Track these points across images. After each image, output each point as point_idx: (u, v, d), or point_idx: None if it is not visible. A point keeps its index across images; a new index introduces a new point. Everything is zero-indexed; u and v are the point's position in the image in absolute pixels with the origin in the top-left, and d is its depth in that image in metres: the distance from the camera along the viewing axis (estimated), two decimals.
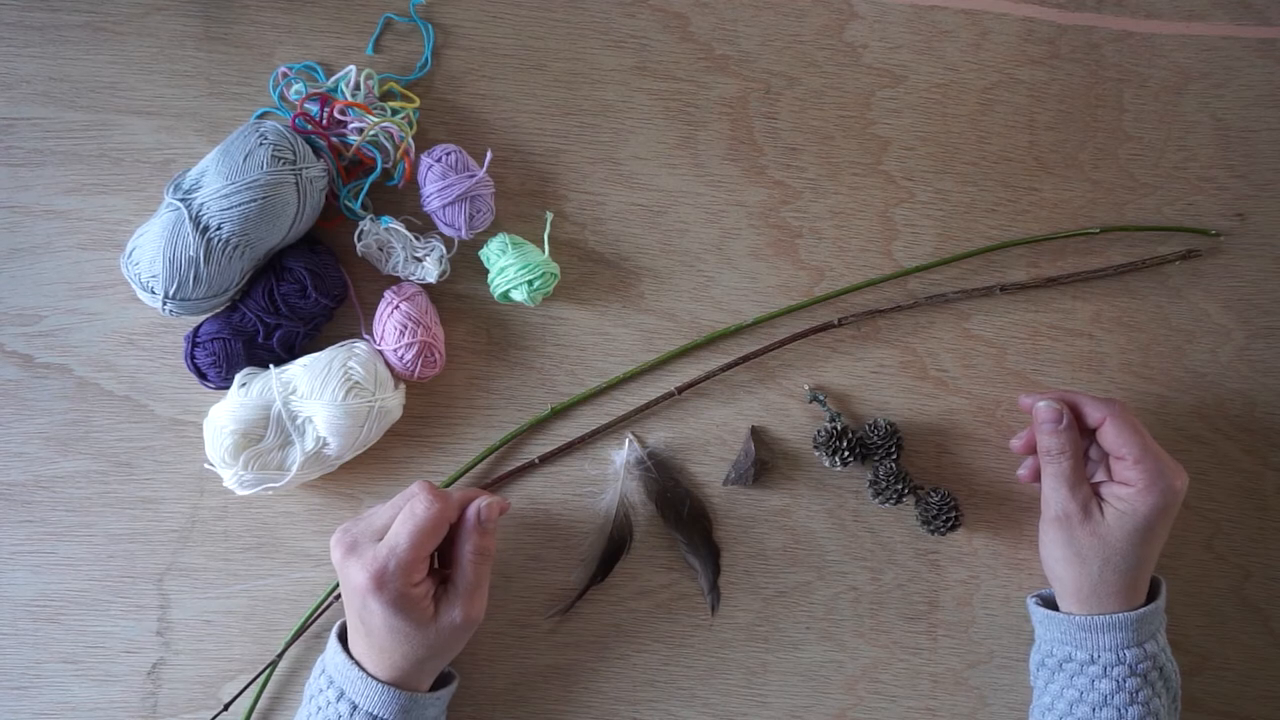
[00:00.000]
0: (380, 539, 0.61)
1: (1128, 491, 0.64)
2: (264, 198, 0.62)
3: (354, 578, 0.60)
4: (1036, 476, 0.69)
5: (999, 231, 0.74)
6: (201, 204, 0.62)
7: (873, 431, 0.71)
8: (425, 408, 0.71)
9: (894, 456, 0.71)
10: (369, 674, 0.61)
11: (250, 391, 0.65)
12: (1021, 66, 0.74)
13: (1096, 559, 0.64)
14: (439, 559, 0.65)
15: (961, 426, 0.74)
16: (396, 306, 0.67)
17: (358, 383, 0.66)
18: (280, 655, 0.69)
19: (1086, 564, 0.64)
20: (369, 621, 0.61)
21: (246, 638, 0.70)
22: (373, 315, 0.68)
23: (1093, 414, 0.66)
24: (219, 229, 0.62)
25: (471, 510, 0.64)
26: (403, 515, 0.61)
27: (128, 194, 0.69)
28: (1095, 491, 0.66)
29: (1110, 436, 0.65)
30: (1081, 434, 0.67)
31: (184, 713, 0.70)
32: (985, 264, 0.74)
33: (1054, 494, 0.66)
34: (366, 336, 0.68)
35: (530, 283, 0.68)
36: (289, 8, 0.70)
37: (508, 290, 0.69)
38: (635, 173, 0.72)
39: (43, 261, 0.69)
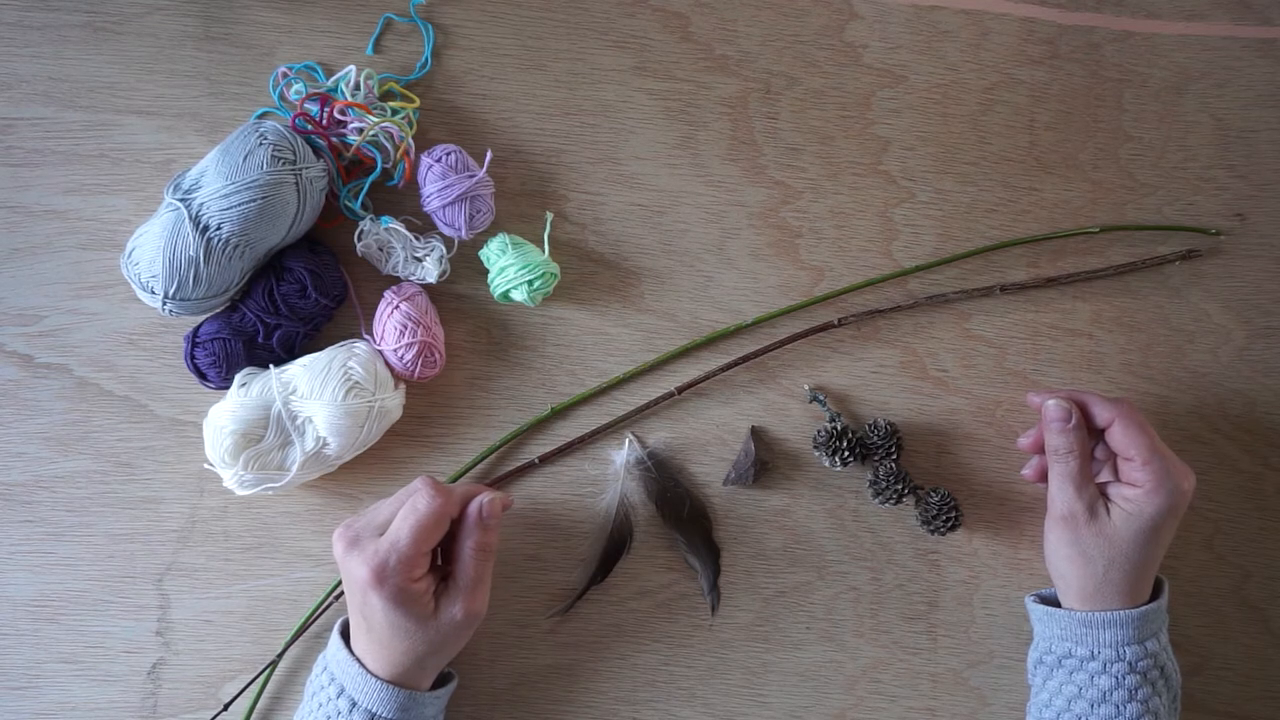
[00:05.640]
0: (382, 534, 0.61)
1: (1135, 493, 0.64)
2: (264, 198, 0.62)
3: (355, 572, 0.60)
4: (1041, 476, 0.69)
5: (999, 231, 0.74)
6: (201, 204, 0.62)
7: (873, 431, 0.71)
8: (425, 408, 0.71)
9: (894, 456, 0.71)
10: (369, 671, 0.61)
11: (250, 391, 0.65)
12: (1021, 66, 0.74)
13: (1102, 559, 0.64)
14: (441, 555, 0.65)
15: (961, 426, 0.74)
16: (396, 306, 0.67)
17: (358, 383, 0.66)
18: (280, 655, 0.69)
19: (1092, 564, 0.64)
20: (370, 617, 0.61)
21: (246, 638, 0.70)
22: (373, 315, 0.68)
23: (1102, 414, 0.66)
24: (219, 229, 0.62)
25: (474, 506, 0.64)
26: (404, 510, 0.61)
27: (128, 194, 0.69)
28: (1102, 492, 0.66)
29: (1118, 437, 0.65)
30: (1089, 434, 0.67)
31: (184, 713, 0.70)
32: (985, 264, 0.74)
33: (1060, 493, 0.65)
34: (366, 336, 0.68)
35: (530, 283, 0.68)
36: (289, 8, 0.70)
37: (508, 290, 0.69)
38: (635, 173, 0.72)
39: (43, 261, 0.69)
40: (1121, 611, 0.64)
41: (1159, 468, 0.64)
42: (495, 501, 0.64)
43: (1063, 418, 0.66)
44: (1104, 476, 0.68)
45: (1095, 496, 0.65)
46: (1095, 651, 0.64)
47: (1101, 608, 0.64)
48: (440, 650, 0.62)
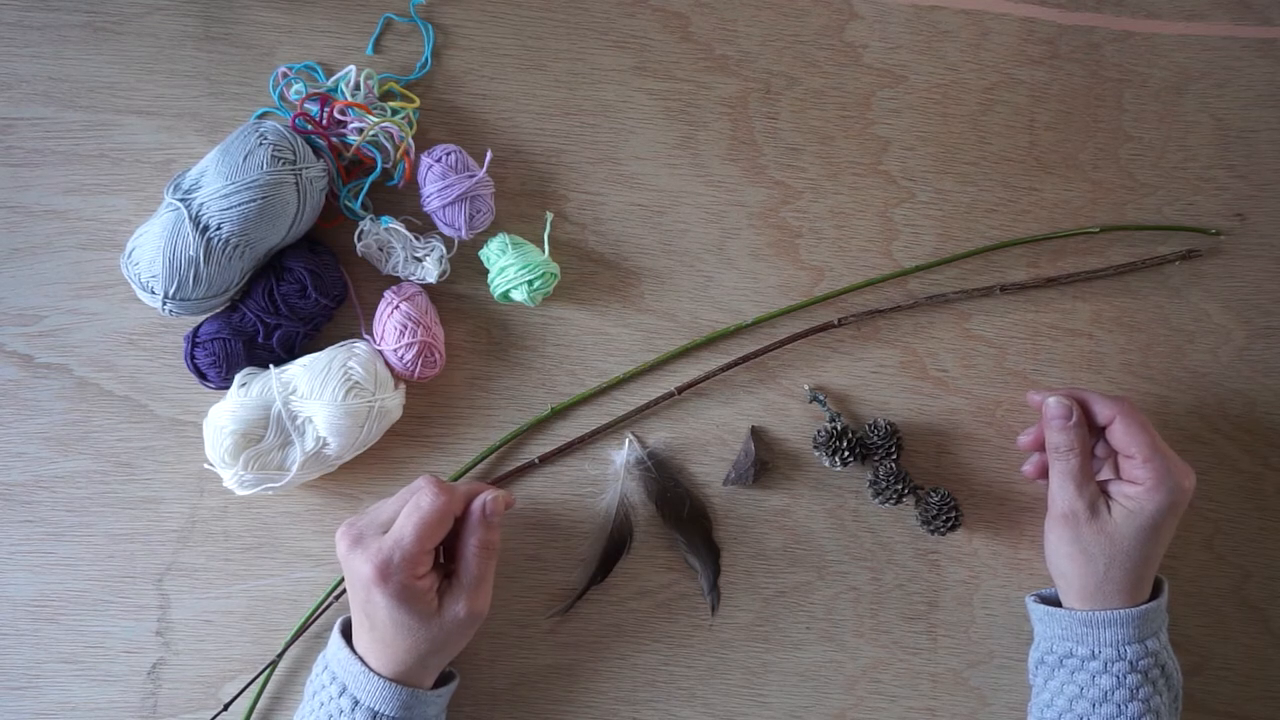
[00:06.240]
0: (386, 532, 0.61)
1: (1136, 490, 0.64)
2: (264, 198, 0.62)
3: (359, 569, 0.60)
4: (1041, 472, 0.69)
5: (999, 231, 0.74)
6: (201, 204, 0.62)
7: (873, 431, 0.71)
8: (425, 408, 0.71)
9: (894, 456, 0.71)
10: (371, 670, 0.61)
11: (250, 391, 0.65)
12: (1021, 66, 0.74)
13: (1103, 557, 0.64)
14: (444, 553, 0.65)
15: (961, 426, 0.74)
16: (396, 306, 0.67)
17: (358, 383, 0.66)
18: (280, 655, 0.69)
19: (1093, 562, 0.64)
20: (373, 614, 0.61)
21: (246, 638, 0.70)
22: (373, 315, 0.68)
23: (1102, 412, 0.66)
24: (219, 229, 0.62)
25: (477, 504, 0.64)
26: (408, 508, 0.61)
27: (128, 194, 0.69)
28: (1103, 490, 0.66)
29: (1119, 435, 0.65)
30: (1089, 432, 0.67)
31: (184, 713, 0.70)
32: (985, 264, 0.74)
33: (1061, 492, 0.65)
34: (366, 336, 0.68)
35: (530, 283, 0.68)
36: (289, 8, 0.70)
37: (508, 290, 0.69)
38: (635, 173, 0.72)
39: (43, 261, 0.69)
40: (1122, 610, 0.64)
41: (1160, 465, 0.64)
42: (498, 500, 0.64)
43: (1063, 415, 0.66)
44: (1105, 475, 0.68)
45: (1096, 494, 0.65)
46: (1096, 651, 0.64)
47: (1102, 607, 0.64)
48: (443, 648, 0.62)
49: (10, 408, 0.69)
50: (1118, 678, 0.63)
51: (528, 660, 0.72)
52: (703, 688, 0.73)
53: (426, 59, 0.70)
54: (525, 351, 0.72)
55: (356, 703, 0.61)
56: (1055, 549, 0.66)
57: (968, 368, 0.74)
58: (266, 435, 0.65)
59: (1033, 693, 0.68)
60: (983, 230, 0.74)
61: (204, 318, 0.67)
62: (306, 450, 0.66)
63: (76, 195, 0.69)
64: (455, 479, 0.71)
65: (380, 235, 0.68)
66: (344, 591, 0.68)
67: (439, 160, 0.67)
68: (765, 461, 0.72)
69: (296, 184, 0.64)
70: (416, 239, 0.69)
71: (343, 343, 0.68)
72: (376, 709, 0.61)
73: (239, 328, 0.66)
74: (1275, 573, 0.75)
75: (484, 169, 0.68)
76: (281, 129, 0.64)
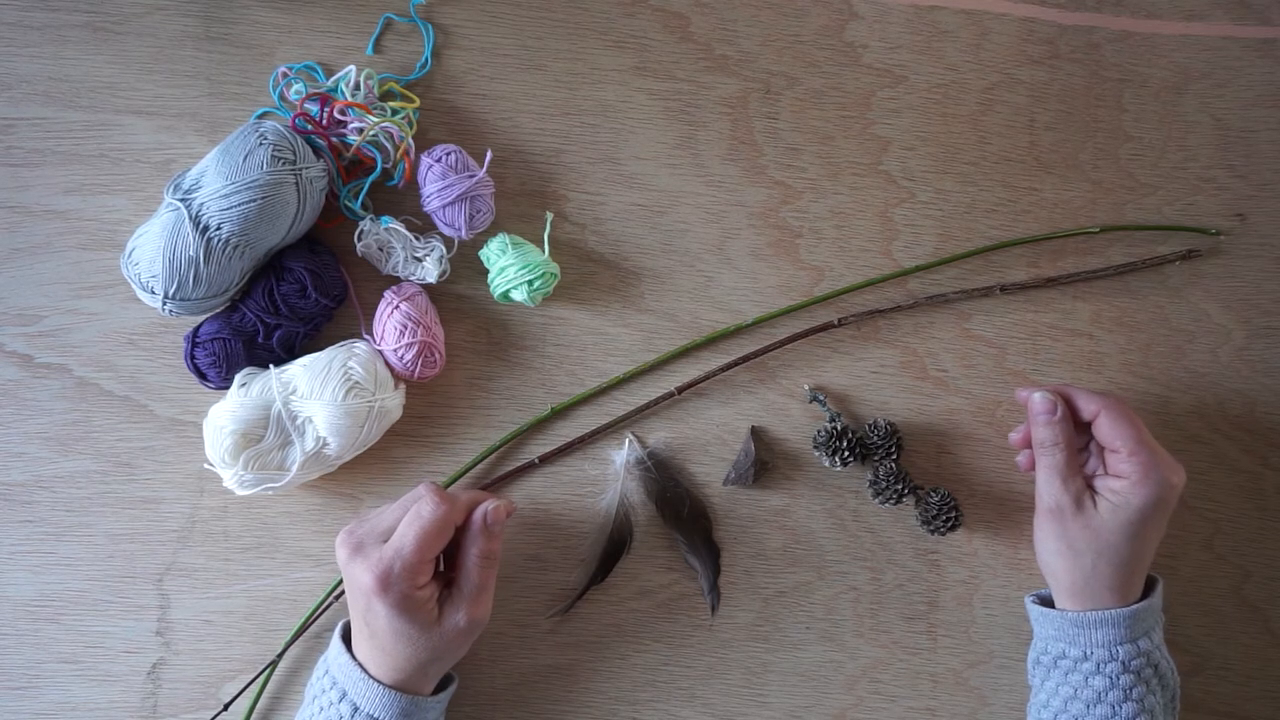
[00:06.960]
0: (386, 540, 0.61)
1: (1121, 484, 0.64)
2: (264, 198, 0.62)
3: (359, 579, 0.60)
4: (1034, 466, 0.69)
5: (999, 231, 0.74)
6: (201, 204, 0.62)
7: (873, 431, 0.71)
8: (425, 408, 0.71)
9: (894, 456, 0.71)
10: (371, 676, 0.61)
11: (250, 391, 0.65)
12: (1021, 66, 0.74)
13: (1089, 552, 0.64)
14: (444, 562, 0.65)
15: (961, 426, 0.74)
16: (396, 306, 0.67)
17: (358, 383, 0.66)
18: (280, 655, 0.69)
19: (1079, 557, 0.64)
20: (373, 623, 0.61)
21: (246, 638, 0.70)
22: (373, 315, 0.68)
23: (1087, 407, 0.66)
24: (219, 229, 0.62)
25: (478, 513, 0.64)
26: (409, 517, 0.61)
27: (128, 194, 0.69)
28: (1089, 484, 0.66)
29: (1105, 429, 0.65)
30: (1077, 427, 0.67)
31: (184, 713, 0.70)
32: (985, 264, 0.74)
33: (1047, 486, 0.65)
34: (366, 336, 0.68)
35: (530, 283, 0.68)
36: (289, 8, 0.70)
37: (508, 290, 0.69)
38: (635, 173, 0.72)
39: (43, 261, 0.69)
40: (1112, 610, 0.64)
41: (1145, 459, 0.64)
42: (500, 509, 0.64)
43: (1047, 410, 0.66)
44: (1093, 469, 0.68)
45: (1082, 489, 0.65)
46: (1089, 652, 0.64)
47: (1092, 605, 0.64)
48: (443, 656, 0.62)
49: (10, 408, 0.69)
50: (1111, 678, 0.63)
51: (528, 660, 0.72)
52: (703, 688, 0.73)
53: (426, 59, 0.70)
54: (525, 351, 0.72)
55: (356, 709, 0.61)
56: (1044, 545, 0.66)
57: (968, 368, 0.74)
58: (266, 435, 0.65)
59: (1031, 693, 0.68)
60: (983, 230, 0.74)
61: (204, 318, 0.67)
62: (306, 450, 0.66)
63: (76, 195, 0.69)
64: (455, 479, 0.71)
65: (380, 235, 0.68)
66: (343, 592, 0.68)
67: (439, 160, 0.67)
68: (765, 461, 0.72)
69: (296, 184, 0.64)
70: (416, 239, 0.69)
71: (343, 343, 0.68)
72: (376, 715, 0.61)
73: (239, 328, 0.66)
74: (1275, 573, 0.75)
75: (484, 169, 0.68)
76: (281, 129, 0.64)
